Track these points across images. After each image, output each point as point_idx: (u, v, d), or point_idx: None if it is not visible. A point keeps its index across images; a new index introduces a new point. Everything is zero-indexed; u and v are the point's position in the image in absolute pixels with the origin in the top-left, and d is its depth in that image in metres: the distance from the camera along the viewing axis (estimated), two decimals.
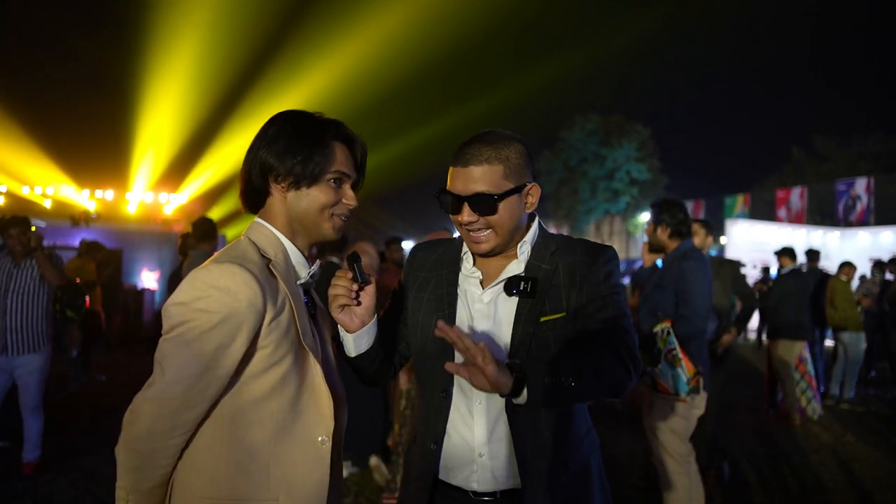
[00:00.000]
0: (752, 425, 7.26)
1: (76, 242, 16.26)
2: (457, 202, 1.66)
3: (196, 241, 6.05)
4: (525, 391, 1.43)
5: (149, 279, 15.40)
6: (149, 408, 1.36)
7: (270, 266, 1.49)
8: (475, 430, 1.68)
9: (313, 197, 1.54)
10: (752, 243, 18.17)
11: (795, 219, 22.46)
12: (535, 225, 1.78)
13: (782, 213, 23.33)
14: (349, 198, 1.60)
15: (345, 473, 5.86)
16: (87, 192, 24.16)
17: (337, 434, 1.59)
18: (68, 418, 6.69)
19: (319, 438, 1.51)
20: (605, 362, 1.54)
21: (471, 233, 1.69)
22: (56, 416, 6.52)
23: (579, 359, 1.53)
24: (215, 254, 1.49)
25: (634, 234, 36.81)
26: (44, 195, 24.25)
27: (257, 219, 1.59)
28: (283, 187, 1.53)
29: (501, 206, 1.64)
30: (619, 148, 35.48)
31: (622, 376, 1.56)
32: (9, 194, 24.15)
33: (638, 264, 23.56)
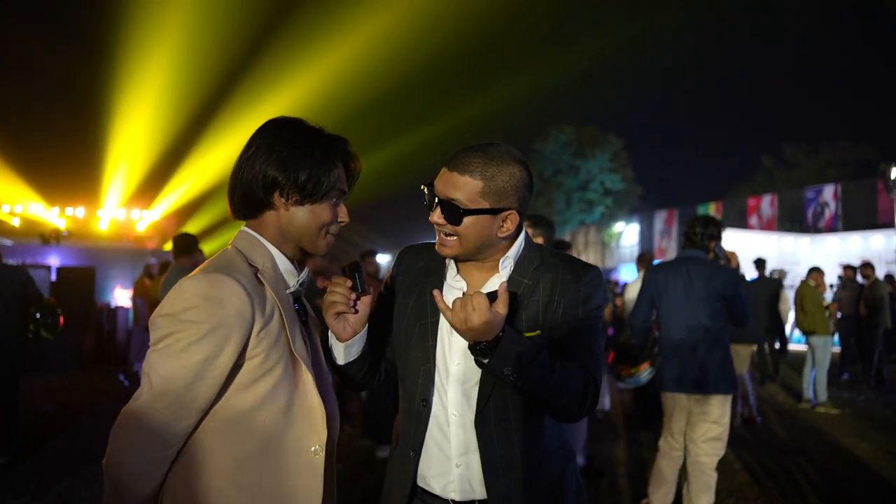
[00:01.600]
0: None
1: (47, 261, 16.02)
2: (432, 200, 1.67)
3: (175, 256, 6.00)
4: (484, 361, 1.52)
5: (122, 297, 15.17)
6: (136, 420, 1.35)
7: (258, 274, 1.48)
8: (451, 441, 1.70)
9: (315, 214, 1.54)
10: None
11: (766, 226, 22.89)
12: (519, 240, 1.76)
13: (753, 220, 23.74)
14: (343, 215, 1.61)
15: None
16: (56, 209, 23.78)
17: (330, 443, 1.58)
18: (42, 440, 6.55)
19: (312, 448, 1.50)
20: (571, 388, 1.59)
21: (439, 234, 1.70)
22: (30, 438, 6.38)
23: (557, 373, 1.56)
24: (202, 264, 1.48)
25: (609, 244, 37.09)
26: (12, 213, 23.80)
27: (244, 228, 1.58)
28: (286, 202, 1.52)
29: (468, 220, 1.63)
30: (592, 159, 35.82)
31: (577, 404, 1.61)
32: None
33: (613, 275, 23.79)
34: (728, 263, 4.21)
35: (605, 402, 7.88)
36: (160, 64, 26.96)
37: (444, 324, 1.75)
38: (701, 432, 4.15)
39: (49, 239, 17.18)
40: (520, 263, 1.74)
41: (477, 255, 1.71)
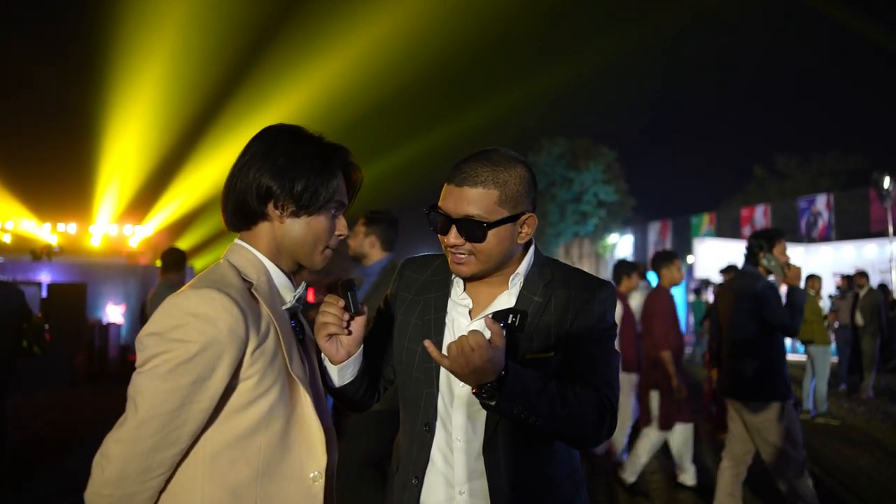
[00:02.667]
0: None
1: (38, 277, 15.86)
2: (446, 222, 1.57)
3: (163, 271, 5.89)
4: (491, 403, 1.43)
5: (114, 313, 15.02)
6: (120, 448, 1.24)
7: (252, 290, 1.39)
8: (455, 468, 1.61)
9: (312, 226, 1.45)
10: (718, 261, 18.48)
11: None
12: (529, 253, 1.68)
13: (747, 230, 23.76)
14: (342, 227, 1.52)
15: None
16: (48, 225, 23.63)
17: (329, 468, 1.49)
18: (30, 461, 6.41)
19: (311, 474, 1.41)
20: (584, 415, 1.50)
21: (454, 254, 1.61)
22: (17, 459, 6.24)
23: (567, 401, 1.48)
24: (192, 279, 1.39)
25: (604, 256, 37.04)
26: (2, 230, 23.63)
27: (237, 240, 1.49)
28: (281, 213, 1.44)
29: (491, 234, 1.54)
30: (586, 171, 35.82)
31: (586, 435, 1.53)
32: None
33: None
34: (781, 274, 4.19)
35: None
36: (151, 79, 26.90)
37: (448, 342, 1.66)
38: (752, 440, 4.29)
39: (40, 255, 17.01)
40: (529, 279, 1.65)
41: (495, 271, 1.63)
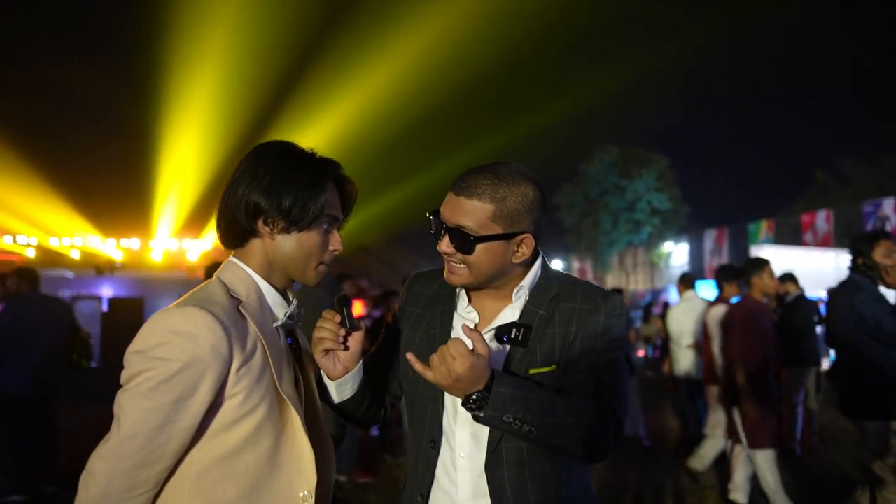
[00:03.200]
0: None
1: (100, 292, 16.49)
2: (441, 229, 1.56)
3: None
4: (480, 412, 1.40)
5: None
6: (104, 466, 1.25)
7: (240, 307, 1.39)
8: (458, 486, 1.57)
9: (303, 242, 1.44)
10: (778, 269, 17.86)
11: (822, 242, 22.03)
12: (535, 266, 1.64)
13: (808, 237, 22.90)
14: (336, 242, 1.51)
15: None
16: (113, 241, 24.60)
17: (324, 486, 1.47)
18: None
19: (301, 494, 1.39)
20: (581, 425, 1.44)
21: (447, 262, 1.59)
22: (73, 469, 6.42)
23: (558, 409, 1.43)
24: (182, 296, 1.40)
25: (658, 265, 36.34)
26: (72, 246, 24.71)
27: (231, 258, 1.49)
28: (272, 230, 1.43)
29: (480, 248, 1.51)
30: (638, 179, 35.32)
31: (588, 446, 1.46)
32: (39, 247, 24.63)
33: (663, 295, 23.22)
34: (879, 279, 3.95)
35: (641, 429, 7.56)
36: (205, 97, 27.82)
37: None
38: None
39: (103, 270, 17.71)
40: (535, 293, 1.62)
41: (490, 284, 1.60)
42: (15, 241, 24.05)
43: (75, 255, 24.78)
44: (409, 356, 1.42)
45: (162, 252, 24.55)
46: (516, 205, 1.52)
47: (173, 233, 26.01)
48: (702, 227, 30.89)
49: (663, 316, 8.09)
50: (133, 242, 24.86)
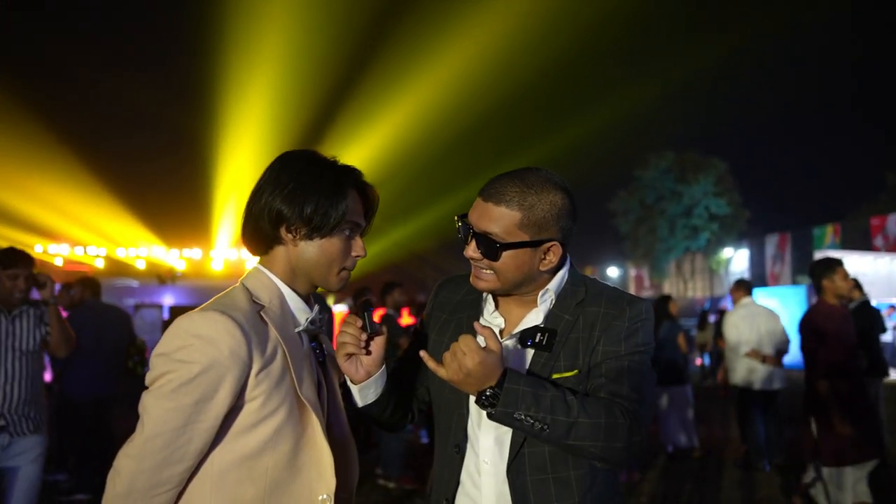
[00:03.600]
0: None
1: (162, 300, 17.09)
2: (468, 234, 1.56)
3: None
4: (492, 408, 1.40)
5: None
6: (129, 464, 1.30)
7: (262, 313, 1.42)
8: (483, 491, 1.56)
9: (325, 248, 1.46)
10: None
11: (893, 247, 21.03)
12: (562, 271, 1.62)
13: (879, 241, 21.91)
14: (358, 248, 1.53)
15: None
16: (176, 251, 25.47)
17: (345, 491, 1.49)
18: None
19: (321, 497, 1.41)
20: (597, 424, 1.41)
21: (474, 267, 1.59)
22: None
23: (572, 408, 1.41)
24: (207, 302, 1.43)
25: (718, 271, 35.42)
26: (137, 256, 25.70)
27: (257, 264, 1.53)
28: (295, 237, 1.46)
29: (506, 255, 1.51)
30: (695, 184, 34.55)
31: (606, 447, 1.42)
32: (107, 257, 25.72)
33: (722, 303, 22.57)
34: None
35: (694, 439, 7.33)
36: (261, 112, 28.62)
37: None
38: None
39: (165, 279, 18.34)
40: (561, 297, 1.60)
41: (517, 290, 1.59)
42: (86, 252, 25.15)
43: (141, 265, 25.75)
44: (423, 354, 1.43)
45: (222, 261, 25.27)
46: (544, 213, 1.51)
47: (232, 243, 26.73)
48: (763, 233, 30.00)
49: (719, 323, 7.86)
50: (195, 252, 25.68)
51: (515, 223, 1.49)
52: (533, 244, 1.51)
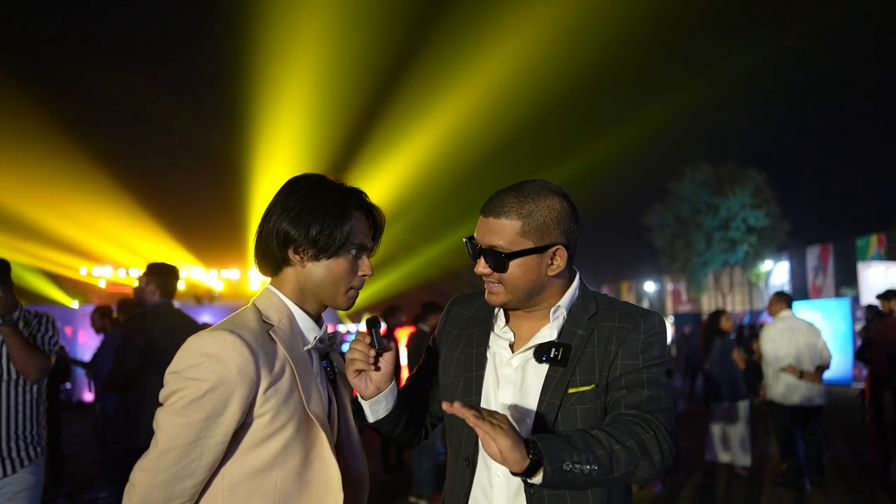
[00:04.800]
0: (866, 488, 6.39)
1: (200, 320, 17.38)
2: (476, 252, 1.59)
3: None
4: (540, 475, 1.32)
5: None
6: (143, 477, 1.34)
7: (271, 332, 1.46)
8: None
9: (332, 268, 1.50)
10: (890, 287, 16.65)
11: None
12: (574, 285, 1.64)
13: None
14: (365, 268, 1.56)
15: None
16: (214, 272, 25.92)
17: None
18: None
19: None
20: (629, 447, 1.39)
21: (486, 283, 1.61)
22: None
23: (602, 441, 1.39)
24: (219, 322, 1.48)
25: (757, 284, 34.71)
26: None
27: (268, 285, 1.57)
28: (302, 258, 1.50)
29: (513, 264, 1.53)
30: (732, 196, 34.01)
31: (646, 464, 1.41)
32: None
33: (762, 317, 22.08)
34: None
35: (747, 459, 7.15)
36: (295, 136, 29.21)
37: (489, 376, 1.64)
38: None
39: (202, 299, 18.67)
40: (573, 312, 1.61)
41: (529, 302, 1.60)
42: (127, 273, 25.77)
43: (180, 286, 26.28)
44: (449, 406, 1.36)
45: (259, 282, 25.64)
46: (543, 217, 1.54)
47: None
48: (804, 244, 29.37)
49: (749, 339, 7.69)
50: (233, 273, 26.11)
51: (517, 232, 1.52)
52: (538, 250, 1.53)
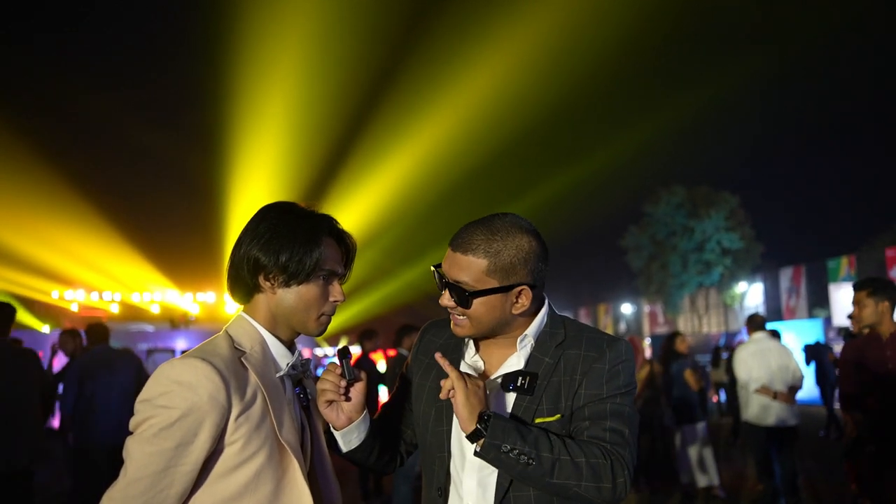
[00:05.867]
0: None
1: (174, 345, 17.15)
2: (441, 283, 1.60)
3: None
4: (479, 445, 1.44)
5: None
6: None
7: (243, 359, 1.45)
8: None
9: (301, 294, 1.50)
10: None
11: None
12: (541, 314, 1.64)
13: (894, 272, 21.68)
14: (336, 294, 1.56)
15: None
16: (189, 295, 25.61)
17: None
18: None
19: None
20: (578, 464, 1.43)
21: (451, 315, 1.62)
22: None
23: (555, 446, 1.44)
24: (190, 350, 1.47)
25: (732, 306, 35.08)
26: (152, 301, 25.86)
27: (241, 312, 1.57)
28: (273, 285, 1.50)
29: (477, 302, 1.54)
30: (707, 219, 34.49)
31: (590, 487, 1.43)
32: (122, 302, 25.90)
33: (738, 338, 22.30)
34: None
35: (714, 477, 7.15)
36: (271, 159, 29.20)
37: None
38: None
39: (178, 324, 18.42)
40: (541, 340, 1.62)
41: (493, 334, 1.62)
42: (101, 297, 25.35)
43: (155, 310, 25.90)
44: (438, 357, 1.55)
45: (235, 307, 25.37)
46: (511, 258, 1.53)
47: None
48: (777, 266, 29.81)
49: (730, 360, 7.76)
50: (209, 296, 25.81)
51: (483, 270, 1.52)
52: (502, 289, 1.53)
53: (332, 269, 1.53)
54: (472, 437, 1.44)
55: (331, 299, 1.55)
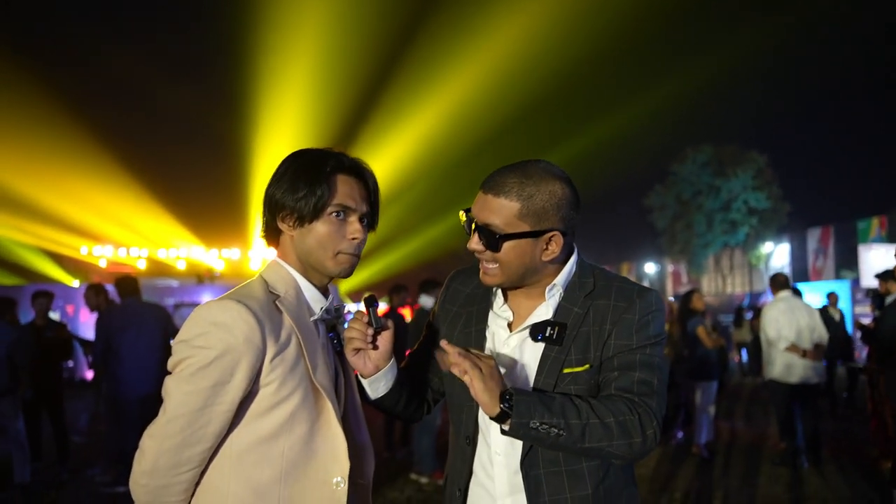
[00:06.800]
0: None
1: (201, 299, 17.41)
2: (470, 226, 1.57)
3: None
4: (506, 424, 1.42)
5: None
6: (152, 444, 1.37)
7: (277, 302, 1.47)
8: (495, 481, 1.59)
9: (315, 233, 1.49)
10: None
11: None
12: (570, 263, 1.62)
13: None
14: (353, 231, 1.52)
15: None
16: (215, 251, 25.92)
17: (363, 478, 1.54)
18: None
19: (335, 480, 1.45)
20: (607, 424, 1.43)
21: (480, 262, 1.60)
22: None
23: (581, 410, 1.44)
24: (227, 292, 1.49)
25: (757, 266, 34.69)
26: (178, 257, 26.23)
27: (275, 257, 1.58)
28: (290, 225, 1.51)
29: (507, 246, 1.51)
30: (734, 178, 33.87)
31: (622, 444, 1.44)
32: (149, 258, 26.32)
33: (762, 298, 22.09)
34: None
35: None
36: (296, 114, 29.07)
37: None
38: None
39: (203, 279, 18.69)
40: (570, 290, 1.60)
41: (523, 282, 1.60)
42: (128, 253, 25.75)
43: (181, 266, 26.29)
44: (444, 343, 1.47)
45: (260, 261, 25.67)
46: (543, 202, 1.51)
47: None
48: (805, 226, 29.30)
49: (753, 319, 7.71)
50: (234, 252, 26.11)
51: (515, 214, 1.50)
52: (533, 234, 1.52)
53: (343, 203, 1.50)
54: (498, 419, 1.42)
55: (348, 237, 1.52)
